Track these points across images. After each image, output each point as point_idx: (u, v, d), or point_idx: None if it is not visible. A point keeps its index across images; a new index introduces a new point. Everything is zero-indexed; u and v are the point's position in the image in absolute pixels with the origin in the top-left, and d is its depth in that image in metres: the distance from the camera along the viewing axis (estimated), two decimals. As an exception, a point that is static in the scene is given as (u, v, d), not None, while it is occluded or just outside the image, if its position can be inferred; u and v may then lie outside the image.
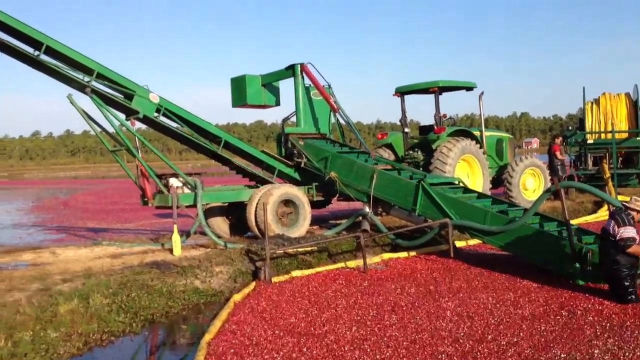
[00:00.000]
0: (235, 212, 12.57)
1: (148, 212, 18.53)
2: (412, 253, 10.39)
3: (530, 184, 15.57)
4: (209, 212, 12.30)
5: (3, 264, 9.87)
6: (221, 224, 12.73)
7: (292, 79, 12.86)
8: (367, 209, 11.60)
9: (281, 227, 11.45)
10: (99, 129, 11.36)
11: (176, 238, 10.48)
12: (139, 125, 11.60)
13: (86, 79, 10.51)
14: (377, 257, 10.02)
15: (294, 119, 13.22)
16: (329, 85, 13.04)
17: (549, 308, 6.81)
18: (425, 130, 15.02)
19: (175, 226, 10.57)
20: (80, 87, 10.60)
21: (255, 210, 11.52)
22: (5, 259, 10.47)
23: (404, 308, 7.09)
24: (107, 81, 10.75)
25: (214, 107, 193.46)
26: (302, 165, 12.58)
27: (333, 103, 12.94)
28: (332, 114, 13.38)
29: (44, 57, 10.12)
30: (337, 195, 12.48)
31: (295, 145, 12.64)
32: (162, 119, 11.46)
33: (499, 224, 9.22)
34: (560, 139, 18.25)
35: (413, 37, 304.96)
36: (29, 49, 10.12)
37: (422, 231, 10.78)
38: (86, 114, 10.96)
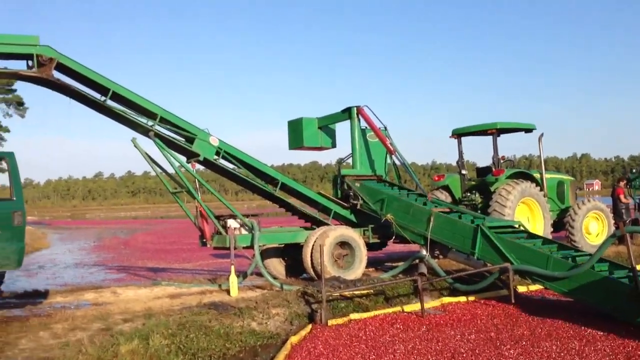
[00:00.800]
0: (291, 254, 12.60)
1: (205, 252, 18.79)
2: (471, 298, 10.15)
3: (593, 227, 15.11)
4: (265, 253, 12.37)
5: (66, 304, 10.12)
6: (277, 265, 12.78)
7: (349, 121, 12.98)
8: (424, 252, 11.44)
9: (337, 269, 11.41)
10: (160, 171, 11.67)
11: (233, 279, 10.57)
12: (197, 166, 11.88)
13: (150, 123, 10.88)
14: (437, 301, 9.83)
15: (349, 160, 13.29)
16: (385, 128, 13.09)
17: (615, 358, 6.52)
18: (483, 172, 14.82)
19: (232, 267, 10.68)
20: (144, 131, 10.97)
21: (311, 252, 11.54)
22: (68, 298, 10.73)
23: (464, 355, 6.90)
24: (170, 125, 11.09)
25: (268, 148, 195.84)
26: (358, 207, 12.57)
27: (389, 145, 12.95)
28: (388, 155, 13.38)
29: (111, 103, 10.53)
30: (394, 237, 12.39)
31: (351, 187, 12.67)
32: (221, 161, 11.71)
33: (562, 269, 8.94)
34: (624, 181, 17.71)
35: (469, 78, 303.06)
36: (97, 95, 10.55)
37: (481, 275, 10.54)
38: (149, 156, 11.29)
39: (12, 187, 8.32)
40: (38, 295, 11.06)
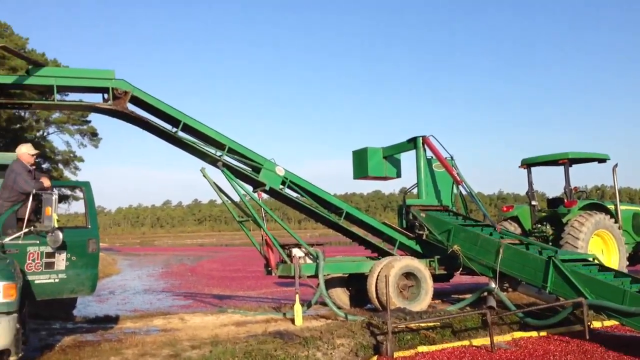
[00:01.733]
0: (356, 284, 12.53)
1: (269, 280, 18.92)
2: (543, 333, 9.81)
3: (671, 261, 14.43)
4: (330, 283, 12.34)
5: (136, 329, 10.34)
6: (341, 295, 12.73)
7: (414, 151, 12.92)
8: (492, 285, 11.17)
9: (402, 301, 11.27)
10: (227, 200, 11.88)
11: (298, 308, 10.58)
12: (263, 195, 12.03)
13: (218, 153, 11.14)
14: (507, 336, 9.55)
15: (415, 190, 13.19)
16: (452, 157, 12.95)
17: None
18: (554, 203, 14.42)
19: (297, 296, 10.69)
20: (213, 161, 11.23)
21: (376, 282, 11.45)
22: (137, 323, 10.97)
23: (537, 393, 6.65)
24: (237, 155, 11.32)
25: (330, 177, 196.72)
26: (424, 237, 12.42)
27: (456, 175, 12.79)
28: (454, 185, 13.21)
29: (181, 134, 10.84)
30: (460, 269, 12.15)
31: (416, 217, 12.54)
32: (287, 190, 11.83)
33: (640, 304, 8.56)
34: None
35: (538, 108, 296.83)
36: (168, 126, 10.90)
37: (553, 310, 10.19)
38: (217, 186, 11.54)
39: (88, 215, 8.61)
40: (109, 321, 11.34)
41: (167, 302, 16.33)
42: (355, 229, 12.76)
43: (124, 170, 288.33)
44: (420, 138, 12.77)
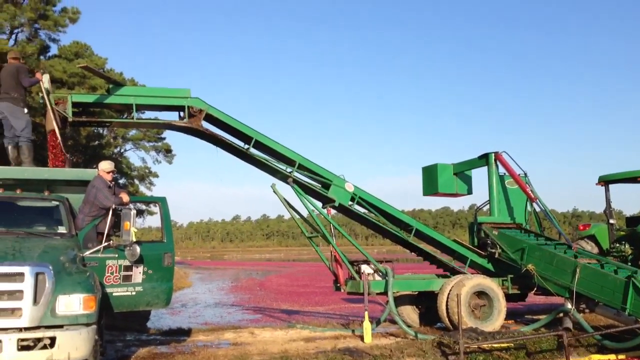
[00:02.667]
0: (425, 302, 12.39)
1: (337, 296, 18.91)
2: (621, 356, 9.40)
3: None
4: (399, 300, 12.24)
5: (208, 342, 10.53)
6: (411, 313, 12.59)
7: (486, 167, 12.70)
8: (568, 305, 10.79)
9: (474, 320, 11.05)
10: (297, 216, 11.99)
11: (367, 325, 10.53)
12: (332, 211, 12.09)
13: (289, 169, 11.30)
14: (585, 359, 9.22)
15: (487, 207, 12.94)
16: (525, 174, 12.65)
17: None
18: (633, 221, 13.85)
19: (366, 313, 10.66)
20: (283, 177, 11.40)
21: (447, 301, 11.28)
22: (209, 337, 11.17)
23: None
24: (307, 171, 11.45)
25: (398, 193, 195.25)
26: (496, 255, 12.15)
27: (530, 192, 12.48)
28: (527, 202, 12.89)
29: (253, 151, 11.07)
30: (535, 288, 11.80)
31: (488, 234, 12.29)
32: (356, 206, 11.85)
33: None
34: None
35: (614, 124, 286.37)
36: (240, 143, 11.14)
37: (632, 332, 9.75)
38: (287, 201, 11.68)
39: (163, 229, 8.87)
40: (182, 333, 11.61)
41: (237, 316, 16.55)
42: (423, 245, 12.63)
43: (195, 185, 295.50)
44: (493, 154, 12.54)
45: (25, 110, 9.61)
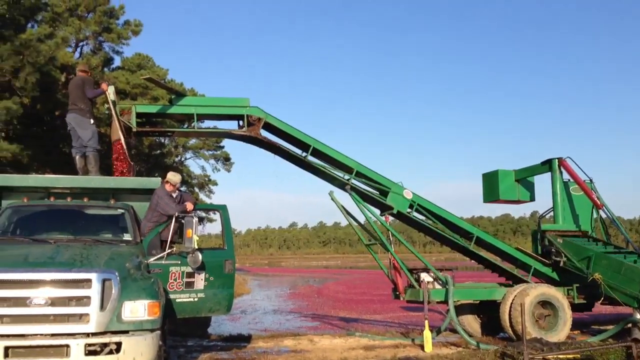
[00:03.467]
0: (487, 311, 12.15)
1: (395, 305, 18.74)
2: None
3: None
4: (460, 309, 12.02)
5: (268, 349, 10.60)
6: (472, 322, 12.36)
7: (549, 173, 12.37)
8: (638, 316, 10.41)
9: (538, 330, 10.78)
10: (355, 223, 11.96)
11: (427, 334, 10.40)
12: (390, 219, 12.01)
13: (346, 177, 11.30)
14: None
15: (551, 214, 12.61)
16: (590, 180, 12.27)
17: None
18: None
19: (426, 322, 10.52)
20: (341, 185, 11.40)
21: (510, 311, 11.04)
22: (269, 343, 11.24)
23: None
24: (365, 179, 11.42)
25: (455, 199, 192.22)
26: (561, 264, 11.81)
27: (596, 199, 12.09)
28: (593, 209, 12.49)
29: (311, 158, 11.12)
30: (602, 298, 11.42)
31: (553, 242, 11.96)
32: (414, 214, 11.73)
33: None
34: None
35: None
36: (298, 151, 11.21)
37: None
38: (345, 209, 11.66)
39: (224, 237, 8.97)
40: (242, 340, 11.72)
41: (295, 323, 16.60)
42: (483, 253, 12.39)
43: (252, 193, 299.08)
44: (556, 160, 12.22)
45: (92, 121, 9.90)
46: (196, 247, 7.94)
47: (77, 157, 9.87)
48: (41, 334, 6.09)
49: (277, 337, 12.03)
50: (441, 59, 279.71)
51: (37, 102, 17.78)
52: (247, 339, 11.79)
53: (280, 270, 68.05)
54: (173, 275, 8.19)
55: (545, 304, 11.10)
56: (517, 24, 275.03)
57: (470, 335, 11.12)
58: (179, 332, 11.87)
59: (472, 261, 12.88)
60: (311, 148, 11.03)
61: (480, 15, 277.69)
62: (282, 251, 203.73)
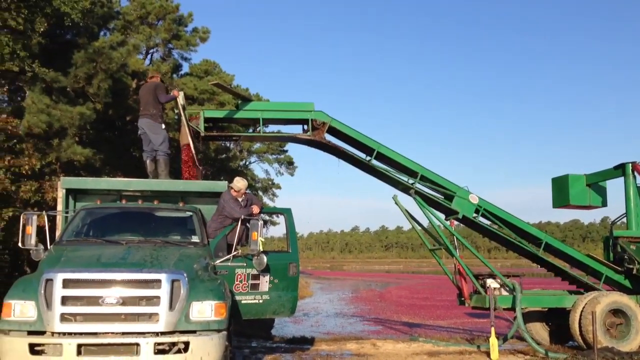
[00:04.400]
0: (556, 319, 11.83)
1: (459, 311, 18.47)
2: None
3: None
4: (527, 317, 11.75)
5: (331, 352, 10.64)
6: (540, 330, 12.06)
7: (622, 178, 11.94)
8: None
9: (609, 339, 10.42)
10: (419, 228, 11.86)
11: (494, 341, 10.21)
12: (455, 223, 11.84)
13: (410, 181, 11.23)
14: None
15: (623, 220, 12.16)
16: (667, 185, 11.78)
17: None
18: None
19: (492, 329, 10.34)
20: (405, 189, 11.34)
21: (580, 319, 10.70)
22: (332, 347, 11.28)
23: None
24: (430, 183, 11.32)
25: (522, 205, 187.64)
26: (634, 271, 11.38)
27: (672, 204, 11.60)
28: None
29: (375, 162, 11.10)
30: (679, 308, 10.94)
31: (625, 249, 11.54)
32: (480, 219, 11.54)
33: None
34: None
35: None
36: (362, 155, 11.22)
37: None
38: (409, 213, 11.58)
39: (289, 240, 9.08)
40: (305, 342, 11.81)
41: (358, 327, 16.61)
42: (557, 262, 12.06)
43: (315, 196, 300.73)
44: (630, 164, 11.78)
45: (163, 126, 10.18)
46: (261, 249, 8.06)
47: (148, 160, 10.17)
48: (112, 333, 6.25)
49: (340, 340, 12.06)
50: (522, 56, 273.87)
51: (109, 107, 18.39)
52: (310, 341, 11.87)
53: (342, 274, 68.13)
54: (239, 277, 8.34)
55: (616, 312, 10.72)
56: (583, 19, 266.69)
57: (538, 344, 10.86)
58: (244, 333, 12.07)
59: (539, 268, 12.57)
60: (375, 152, 11.02)
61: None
62: (344, 255, 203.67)
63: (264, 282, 8.50)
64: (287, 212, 9.22)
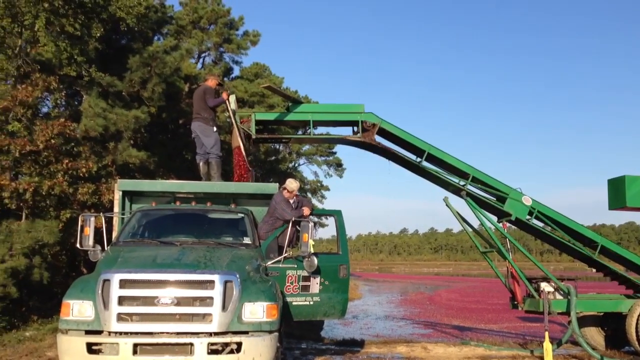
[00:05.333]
0: (612, 324, 11.50)
1: (510, 314, 18.19)
2: None
3: None
4: (582, 321, 11.44)
5: (381, 354, 10.61)
6: (595, 335, 11.75)
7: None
8: None
9: (668, 346, 10.08)
10: (470, 230, 11.71)
11: (548, 346, 10.01)
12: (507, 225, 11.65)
13: (462, 182, 11.09)
14: None
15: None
16: None
17: None
18: None
19: (546, 333, 10.14)
20: (456, 190, 11.21)
21: (636, 324, 10.42)
22: (382, 349, 11.24)
23: None
24: (481, 184, 11.15)
25: (576, 207, 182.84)
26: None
27: None
28: None
29: (425, 164, 11.01)
30: None
31: (685, 253, 11.16)
32: (534, 221, 11.33)
33: None
34: None
35: None
36: (412, 156, 11.15)
37: None
38: (460, 215, 11.45)
39: (339, 242, 9.08)
40: (355, 344, 11.80)
41: (407, 330, 16.51)
42: (606, 262, 11.74)
43: (363, 198, 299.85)
44: (690, 165, 11.39)
45: (215, 129, 10.35)
46: (312, 251, 8.08)
47: (201, 163, 10.35)
48: (167, 332, 6.34)
49: (390, 343, 12.01)
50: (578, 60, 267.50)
51: (163, 111, 18.79)
52: (360, 344, 11.85)
53: (390, 276, 67.73)
54: (289, 278, 8.39)
55: (676, 318, 10.37)
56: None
57: (593, 349, 10.60)
58: (293, 334, 12.14)
59: (593, 271, 12.24)
60: (426, 153, 10.93)
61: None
62: (393, 257, 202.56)
63: (315, 284, 8.53)
64: (337, 214, 9.23)
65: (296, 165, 43.70)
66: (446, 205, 11.33)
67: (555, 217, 11.27)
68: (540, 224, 11.51)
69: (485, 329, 16.15)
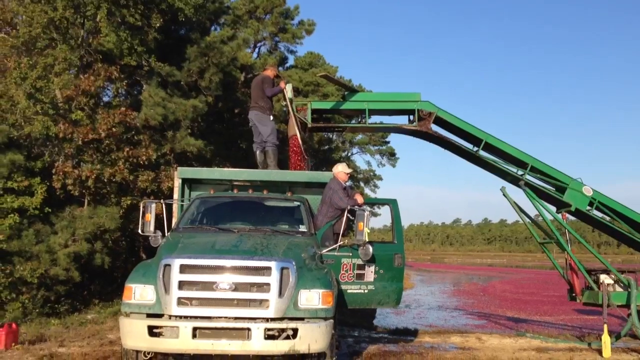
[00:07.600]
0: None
1: (566, 307, 17.86)
2: None
3: None
4: (643, 315, 11.16)
5: (435, 344, 10.57)
6: (657, 330, 11.41)
7: None
8: None
9: None
10: (528, 221, 11.52)
11: (606, 339, 9.79)
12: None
13: (520, 172, 10.92)
14: None
15: None
16: None
17: None
18: None
19: (605, 326, 9.92)
20: (514, 180, 11.04)
21: (700, 318, 10.06)
22: (435, 339, 11.19)
23: None
24: (540, 174, 10.96)
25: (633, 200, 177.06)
26: None
27: None
28: None
29: (482, 153, 10.87)
30: None
31: None
32: (594, 212, 11.06)
33: None
34: None
35: None
36: (469, 145, 11.03)
37: None
38: (517, 205, 11.27)
39: (394, 231, 9.07)
40: (408, 333, 11.79)
41: (461, 320, 16.40)
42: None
43: (416, 188, 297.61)
44: None
45: (271, 118, 10.46)
46: (367, 240, 8.09)
47: (258, 152, 10.48)
48: (225, 317, 6.46)
49: (444, 333, 11.94)
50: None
51: (219, 100, 19.06)
52: (414, 333, 11.84)
53: (443, 267, 67.22)
54: (344, 266, 8.43)
55: None
56: None
57: (655, 343, 10.32)
58: (346, 322, 12.21)
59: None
60: (483, 142, 10.79)
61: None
62: (445, 247, 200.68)
63: (370, 273, 8.55)
64: (392, 203, 9.22)
65: (349, 154, 43.68)
66: (503, 195, 11.15)
67: (616, 208, 10.99)
68: (600, 215, 11.24)
69: (541, 321, 15.90)
